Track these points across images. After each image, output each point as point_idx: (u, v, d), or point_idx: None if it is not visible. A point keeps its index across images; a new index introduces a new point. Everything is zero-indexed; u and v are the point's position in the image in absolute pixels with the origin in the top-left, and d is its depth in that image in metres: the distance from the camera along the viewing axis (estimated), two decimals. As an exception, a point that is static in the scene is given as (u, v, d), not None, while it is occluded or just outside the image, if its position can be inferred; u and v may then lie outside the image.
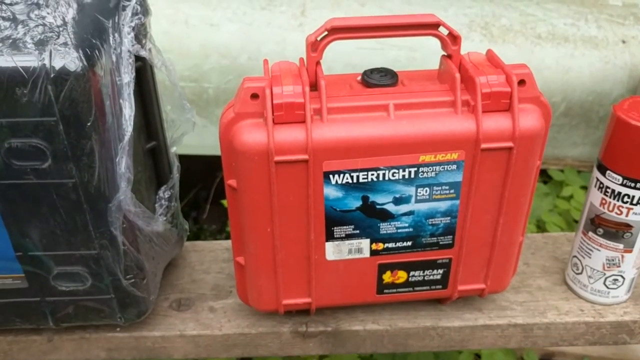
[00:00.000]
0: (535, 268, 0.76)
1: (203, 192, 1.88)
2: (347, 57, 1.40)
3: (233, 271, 0.75)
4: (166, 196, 0.66)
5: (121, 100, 0.52)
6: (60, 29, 0.48)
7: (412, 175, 0.57)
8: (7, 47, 0.46)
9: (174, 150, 0.69)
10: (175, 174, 0.68)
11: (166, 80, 0.63)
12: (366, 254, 0.61)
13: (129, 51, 0.53)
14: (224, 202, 1.21)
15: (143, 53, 0.56)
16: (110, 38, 0.51)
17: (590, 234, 0.67)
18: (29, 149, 0.49)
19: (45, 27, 0.47)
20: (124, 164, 0.53)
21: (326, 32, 0.56)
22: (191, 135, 1.03)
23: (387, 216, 0.59)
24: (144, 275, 0.61)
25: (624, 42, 1.62)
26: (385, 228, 0.60)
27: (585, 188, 1.70)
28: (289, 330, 0.68)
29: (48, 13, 0.47)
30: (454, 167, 0.57)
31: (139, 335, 0.67)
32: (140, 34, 0.56)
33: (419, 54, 1.46)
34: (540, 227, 1.45)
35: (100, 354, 0.68)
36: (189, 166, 1.09)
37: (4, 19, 0.47)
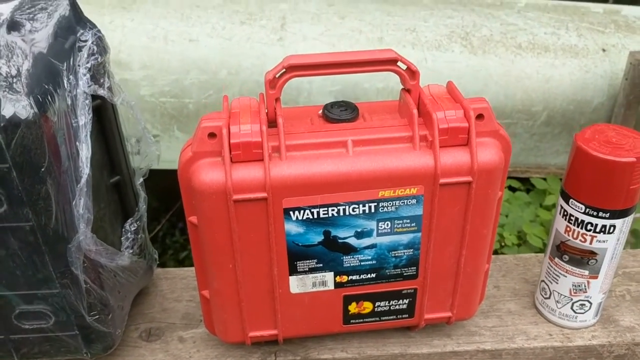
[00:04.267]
0: (505, 291, 0.77)
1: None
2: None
3: (204, 299, 0.75)
4: (132, 229, 0.66)
5: (77, 143, 0.52)
6: (14, 79, 0.47)
7: (373, 210, 0.57)
8: (-43, 96, 0.46)
9: (140, 181, 0.69)
10: (142, 205, 0.68)
11: (129, 115, 0.63)
12: (330, 286, 0.62)
13: (85, 92, 0.53)
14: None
15: (101, 92, 0.56)
16: (65, 81, 0.51)
17: (557, 259, 0.68)
18: (-17, 195, 0.49)
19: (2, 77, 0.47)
20: (82, 205, 0.53)
21: (284, 70, 0.56)
22: (172, 151, 1.03)
23: (350, 250, 0.59)
24: (108, 311, 0.61)
25: (604, 50, 1.63)
26: (349, 261, 0.60)
27: (567, 196, 1.70)
28: (257, 359, 0.68)
29: (3, 64, 0.47)
30: (414, 201, 0.57)
31: (107, 368, 0.67)
32: (98, 73, 0.55)
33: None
34: (522, 239, 1.45)
35: (69, 387, 0.68)
36: (174, 178, 1.09)
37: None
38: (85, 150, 0.52)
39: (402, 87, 0.59)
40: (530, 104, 1.59)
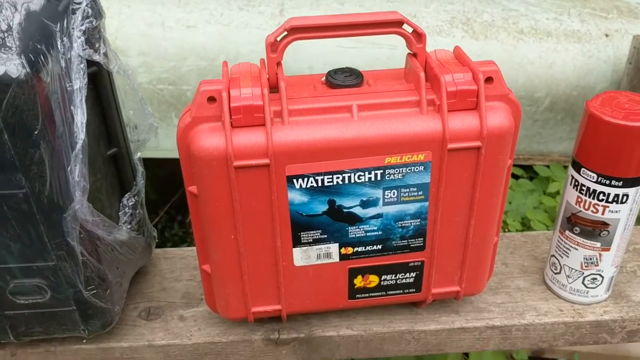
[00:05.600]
0: (513, 268, 0.75)
1: (183, 198, 1.86)
2: (326, 57, 1.39)
3: (204, 279, 0.73)
4: (130, 204, 0.64)
5: (72, 107, 0.50)
6: (5, 34, 0.46)
7: (379, 178, 0.55)
8: (-54, 53, 0.44)
9: (138, 156, 0.67)
10: (140, 180, 0.66)
11: (127, 85, 0.61)
12: (335, 258, 0.60)
13: (79, 56, 0.51)
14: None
15: (97, 57, 0.54)
16: (59, 43, 0.49)
17: (567, 232, 0.66)
18: (-26, 160, 0.47)
19: (-9, 33, 0.45)
20: (77, 172, 0.51)
21: (286, 32, 0.54)
22: (171, 139, 1.00)
23: (355, 220, 0.57)
24: (106, 286, 0.59)
25: (607, 35, 1.61)
26: (354, 232, 0.58)
27: (571, 183, 1.68)
28: (260, 337, 0.66)
29: (-10, 17, 0.45)
30: (421, 168, 0.55)
31: (106, 346, 0.65)
32: (93, 37, 0.54)
33: (400, 52, 1.45)
34: (525, 225, 1.43)
35: (66, 368, 0.66)
36: (172, 169, 1.07)
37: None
38: (80, 115, 0.50)
39: (408, 52, 0.58)
40: (533, 89, 1.57)
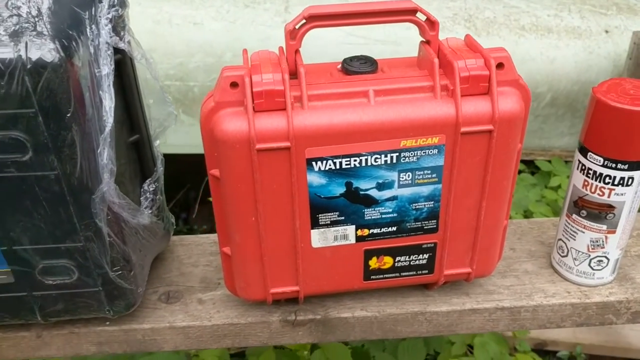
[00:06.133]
0: (521, 253, 0.77)
1: (192, 192, 1.87)
2: (332, 52, 1.41)
3: (221, 263, 0.75)
4: (151, 189, 0.66)
5: (101, 92, 0.52)
6: (36, 19, 0.48)
7: (394, 160, 0.57)
8: (-15, 39, 0.46)
9: (158, 143, 0.69)
10: (160, 167, 0.68)
11: (147, 75, 0.63)
12: (352, 240, 0.62)
13: (107, 43, 0.53)
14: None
15: (122, 45, 0.56)
16: (87, 29, 0.51)
17: (574, 216, 0.68)
18: (9, 142, 0.49)
19: (21, 17, 0.47)
20: (105, 155, 0.53)
21: (304, 20, 0.56)
22: (178, 135, 1.01)
23: (371, 202, 0.59)
24: (130, 267, 0.61)
25: (607, 32, 1.63)
26: (370, 214, 0.60)
27: (573, 177, 1.71)
28: (278, 319, 0.68)
29: (23, 3, 0.47)
30: (435, 151, 0.57)
31: (128, 328, 0.67)
32: (118, 26, 0.56)
33: (404, 48, 1.47)
34: (528, 217, 1.46)
35: (90, 348, 0.68)
36: (177, 166, 1.09)
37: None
38: (108, 100, 0.53)
39: (421, 39, 0.60)
40: (534, 85, 1.59)
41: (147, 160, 0.66)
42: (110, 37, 0.53)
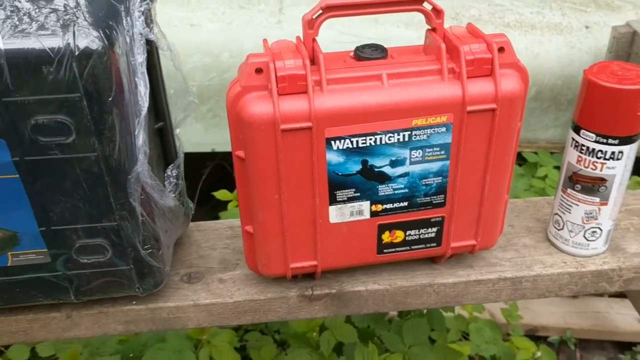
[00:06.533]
0: (519, 229, 0.82)
1: (189, 191, 1.91)
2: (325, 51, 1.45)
3: (238, 246, 0.80)
4: (174, 174, 0.70)
5: (136, 79, 0.56)
6: (75, 10, 0.51)
7: (406, 139, 0.62)
8: (32, 29, 0.50)
9: (178, 132, 0.73)
10: (180, 154, 0.72)
11: (169, 66, 0.67)
12: (366, 215, 0.66)
13: (140, 33, 0.57)
14: (218, 194, 1.25)
15: (151, 36, 0.60)
16: (124, 21, 0.55)
17: (569, 190, 0.73)
18: (54, 125, 0.53)
19: (62, 9, 0.51)
20: (141, 138, 0.57)
21: (321, 11, 0.60)
22: (182, 134, 1.05)
23: (385, 178, 0.64)
24: (159, 246, 0.65)
25: (587, 27, 1.70)
26: (383, 190, 0.65)
27: (558, 168, 1.78)
28: (295, 294, 0.72)
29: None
30: (444, 129, 0.62)
31: (154, 306, 0.71)
32: (148, 18, 0.60)
33: (394, 45, 1.52)
34: (519, 204, 1.51)
35: (117, 328, 0.72)
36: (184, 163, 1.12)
37: (20, 3, 0.51)
38: (142, 86, 0.57)
39: (427, 27, 0.65)
40: (519, 79, 1.64)
41: (170, 146, 0.70)
42: (143, 28, 0.57)
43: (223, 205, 1.29)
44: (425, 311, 1.08)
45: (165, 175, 0.69)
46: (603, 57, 1.64)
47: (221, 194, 1.25)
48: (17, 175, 0.56)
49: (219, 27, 1.49)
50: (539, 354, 1.34)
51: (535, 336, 1.72)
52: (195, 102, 0.70)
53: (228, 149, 1.63)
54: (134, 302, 0.71)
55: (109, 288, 0.66)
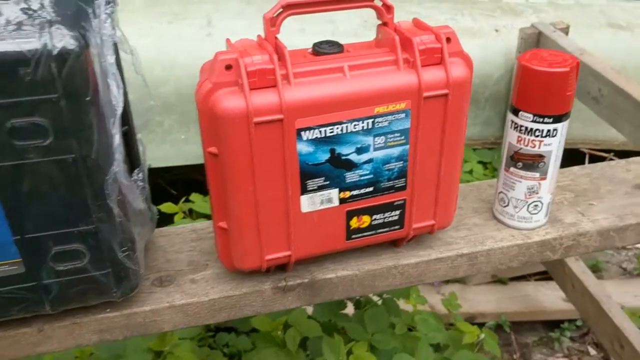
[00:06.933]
0: (467, 210, 0.88)
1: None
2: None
3: (204, 248, 0.81)
4: (140, 178, 0.70)
5: (108, 80, 0.57)
6: (44, 12, 0.52)
7: (370, 126, 0.66)
8: (7, 31, 0.50)
9: (139, 136, 0.73)
10: (144, 158, 0.73)
11: (128, 70, 0.68)
12: (335, 203, 0.69)
13: (109, 35, 0.58)
14: (163, 207, 1.24)
15: (116, 39, 0.61)
16: (93, 23, 0.56)
17: (512, 169, 0.80)
18: (31, 127, 0.53)
19: (33, 12, 0.51)
20: (117, 138, 0.57)
21: (281, 9, 0.64)
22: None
23: (352, 165, 0.68)
24: (134, 248, 0.65)
25: (497, 30, 1.83)
26: (351, 177, 0.68)
27: (482, 163, 1.89)
28: (270, 287, 0.74)
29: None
30: (403, 115, 0.67)
31: (129, 312, 0.70)
32: (113, 21, 0.60)
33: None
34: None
35: (91, 338, 0.70)
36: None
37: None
38: (115, 86, 0.57)
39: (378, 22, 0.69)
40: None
41: (135, 150, 0.70)
42: (111, 30, 0.58)
43: (169, 218, 1.28)
44: (380, 301, 1.12)
45: (132, 179, 0.69)
46: (513, 56, 1.77)
47: (166, 207, 1.24)
48: (-9, 183, 0.55)
49: (149, 42, 1.49)
50: (482, 336, 1.42)
51: (473, 323, 1.80)
52: (156, 106, 0.71)
53: (163, 164, 1.61)
54: (108, 310, 0.70)
55: (85, 295, 0.65)
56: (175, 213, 1.23)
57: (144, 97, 0.71)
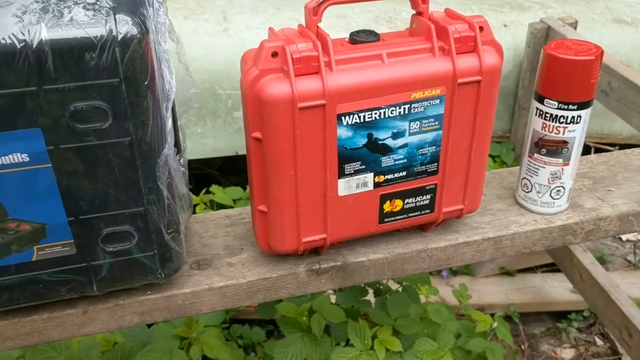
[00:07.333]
0: (491, 197, 0.91)
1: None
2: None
3: (239, 233, 0.83)
4: (182, 163, 0.72)
5: (162, 65, 0.59)
6: (110, 1, 0.54)
7: (406, 111, 0.68)
8: (73, 17, 0.52)
9: (183, 121, 0.76)
10: (185, 144, 0.75)
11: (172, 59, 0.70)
12: (370, 187, 0.72)
13: (163, 23, 0.60)
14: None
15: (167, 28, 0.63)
16: (150, 11, 0.58)
17: (536, 155, 0.83)
18: (91, 111, 0.55)
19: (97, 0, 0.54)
20: (169, 122, 0.60)
21: (322, -1, 0.66)
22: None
23: (387, 150, 0.70)
24: (180, 230, 0.67)
25: (505, 26, 1.86)
26: (386, 161, 0.71)
27: (491, 156, 1.92)
28: (304, 269, 0.76)
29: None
30: (438, 101, 0.69)
31: (170, 294, 0.72)
32: (165, 10, 0.63)
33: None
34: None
35: (133, 319, 0.73)
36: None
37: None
38: (168, 72, 0.60)
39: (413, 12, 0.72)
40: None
41: (178, 135, 0.73)
42: (163, 18, 0.60)
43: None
44: (401, 289, 1.15)
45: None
46: (522, 51, 1.80)
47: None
48: (50, 165, 0.57)
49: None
50: (495, 324, 1.44)
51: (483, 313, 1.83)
52: (198, 93, 0.74)
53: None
54: (149, 292, 0.72)
55: (131, 276, 0.67)
56: (197, 205, 1.25)
57: (186, 85, 0.73)
